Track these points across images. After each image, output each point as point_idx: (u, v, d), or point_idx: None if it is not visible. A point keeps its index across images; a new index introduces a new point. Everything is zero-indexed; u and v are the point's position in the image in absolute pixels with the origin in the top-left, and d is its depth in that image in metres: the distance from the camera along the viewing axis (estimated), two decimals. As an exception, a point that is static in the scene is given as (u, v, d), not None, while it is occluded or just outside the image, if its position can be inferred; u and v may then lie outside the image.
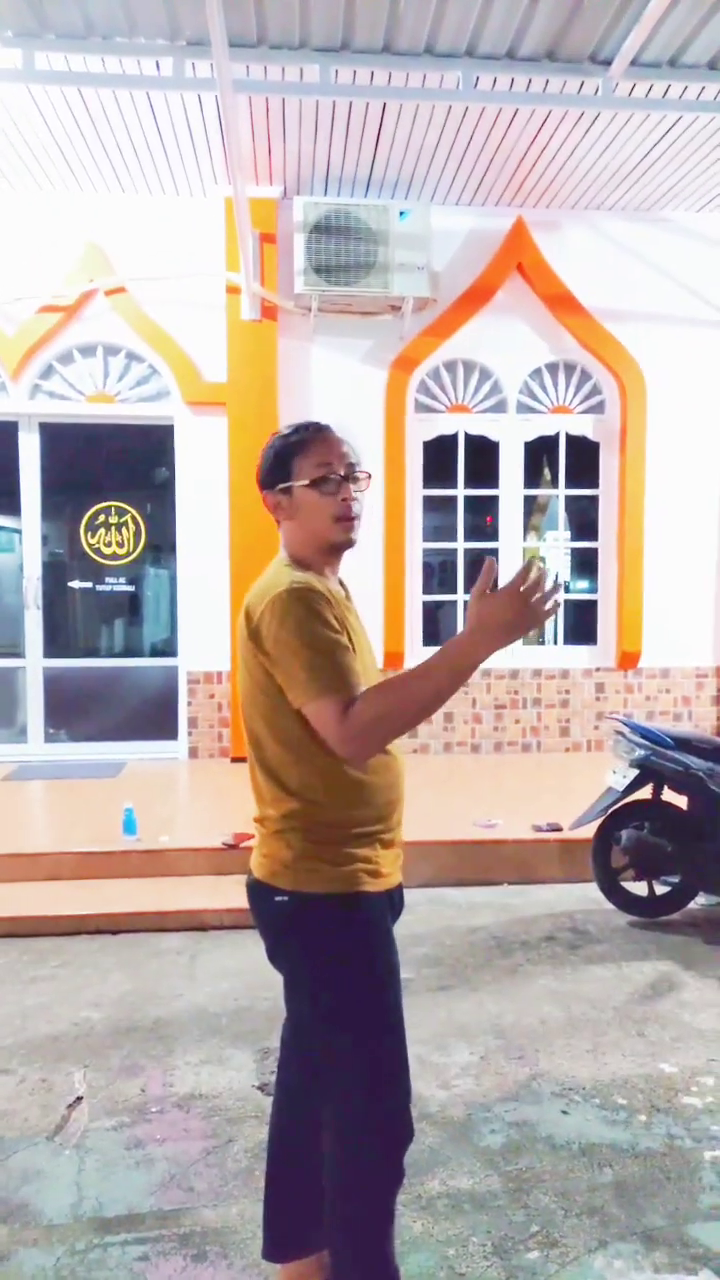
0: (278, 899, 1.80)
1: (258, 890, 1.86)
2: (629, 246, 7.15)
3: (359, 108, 5.54)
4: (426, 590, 7.41)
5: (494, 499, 7.38)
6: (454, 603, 7.38)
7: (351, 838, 1.78)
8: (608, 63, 5.05)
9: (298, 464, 1.86)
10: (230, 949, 4.08)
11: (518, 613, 1.56)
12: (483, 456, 7.36)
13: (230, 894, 4.53)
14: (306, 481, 1.84)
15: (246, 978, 3.76)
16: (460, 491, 7.37)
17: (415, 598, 7.28)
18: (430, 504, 7.40)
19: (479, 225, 7.00)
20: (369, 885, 1.79)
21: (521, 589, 1.56)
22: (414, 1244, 2.23)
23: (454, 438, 7.32)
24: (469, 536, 7.40)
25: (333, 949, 1.77)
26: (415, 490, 7.28)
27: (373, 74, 5.13)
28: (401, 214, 6.53)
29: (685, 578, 7.35)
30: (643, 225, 7.15)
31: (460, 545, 7.39)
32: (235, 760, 6.89)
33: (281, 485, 1.86)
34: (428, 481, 7.35)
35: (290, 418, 6.78)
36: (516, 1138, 2.69)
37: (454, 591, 7.40)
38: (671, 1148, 2.65)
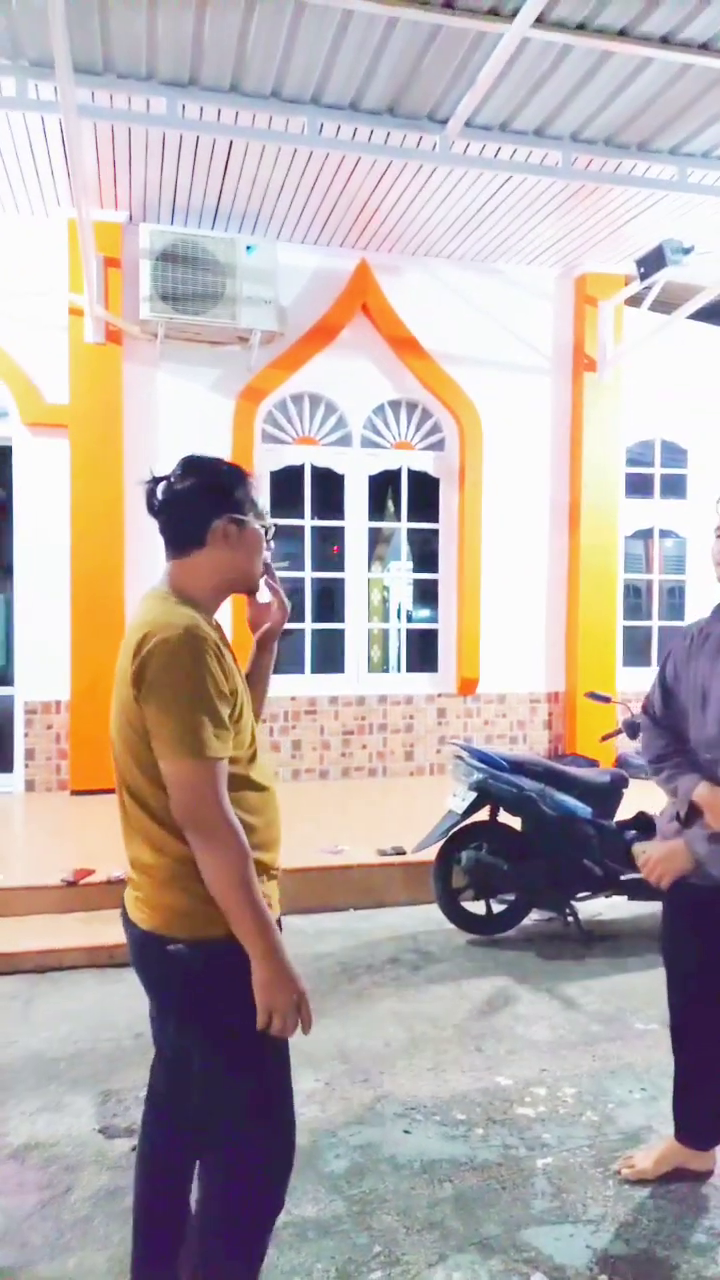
0: (172, 948, 1.72)
1: (146, 942, 1.77)
2: (465, 294, 7.53)
3: (206, 142, 5.59)
4: (273, 619, 7.42)
5: (340, 530, 7.54)
6: (302, 631, 7.45)
7: None
8: (444, 122, 5.34)
9: (244, 500, 1.86)
10: (70, 990, 3.94)
11: (286, 994, 1.68)
12: (329, 488, 7.51)
13: (71, 933, 4.37)
14: (269, 526, 1.89)
15: (86, 1019, 3.65)
16: (307, 522, 7.49)
17: (262, 626, 7.27)
18: (278, 533, 7.43)
19: (325, 264, 7.18)
20: None
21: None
22: (260, 1277, 2.22)
23: (301, 469, 7.44)
24: (316, 566, 7.52)
25: (239, 994, 1.70)
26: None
27: (220, 111, 5.20)
28: (249, 248, 6.60)
29: (519, 608, 7.73)
30: (477, 274, 7.54)
31: (308, 575, 7.49)
32: (75, 793, 6.66)
33: (237, 515, 1.83)
34: (275, 511, 7.41)
35: (136, 442, 6.79)
36: (360, 1161, 2.74)
37: (301, 620, 7.48)
38: (507, 1157, 2.76)
